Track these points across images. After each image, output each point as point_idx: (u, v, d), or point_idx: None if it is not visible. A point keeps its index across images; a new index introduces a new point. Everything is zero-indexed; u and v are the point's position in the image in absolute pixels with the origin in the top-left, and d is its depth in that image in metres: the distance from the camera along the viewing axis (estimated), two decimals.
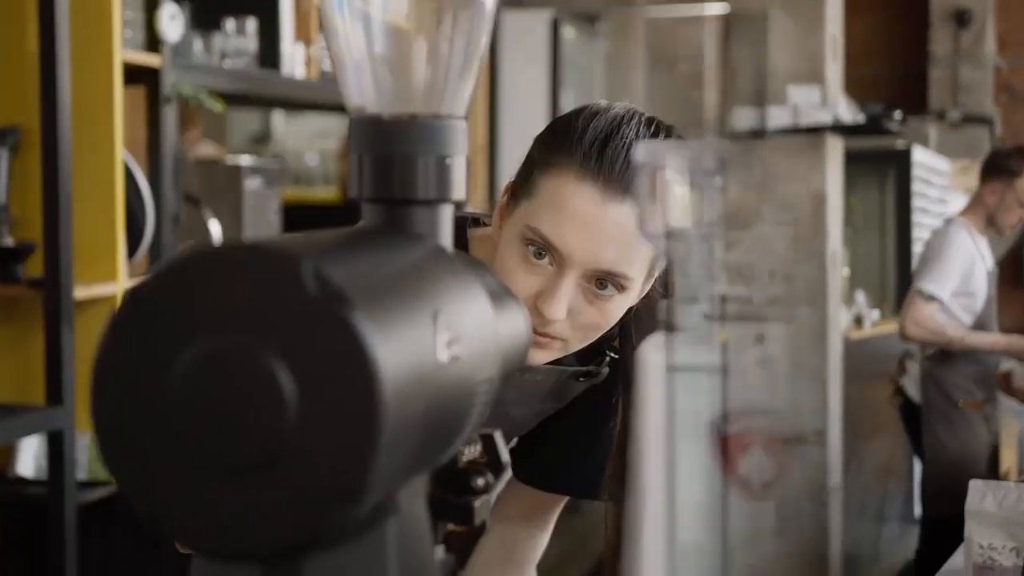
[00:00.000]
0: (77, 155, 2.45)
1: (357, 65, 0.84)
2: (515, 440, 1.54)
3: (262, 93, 3.16)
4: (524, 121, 4.88)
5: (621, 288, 1.27)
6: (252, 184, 3.10)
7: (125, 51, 2.57)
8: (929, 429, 4.35)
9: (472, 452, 0.88)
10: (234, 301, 0.63)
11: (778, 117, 5.42)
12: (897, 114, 6.32)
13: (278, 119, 6.06)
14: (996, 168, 4.39)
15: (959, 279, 4.25)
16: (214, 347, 0.62)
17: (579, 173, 1.24)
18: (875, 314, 6.23)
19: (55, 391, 2.40)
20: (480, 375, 0.75)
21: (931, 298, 4.19)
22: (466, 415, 0.74)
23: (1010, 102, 9.84)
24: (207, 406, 0.63)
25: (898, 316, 6.80)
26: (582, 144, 1.25)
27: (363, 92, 0.84)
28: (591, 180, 1.24)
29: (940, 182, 7.51)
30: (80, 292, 2.44)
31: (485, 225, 1.45)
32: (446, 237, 0.84)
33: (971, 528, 1.99)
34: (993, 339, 4.36)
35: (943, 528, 4.18)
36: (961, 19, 9.22)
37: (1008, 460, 5.54)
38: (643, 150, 0.73)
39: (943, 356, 4.35)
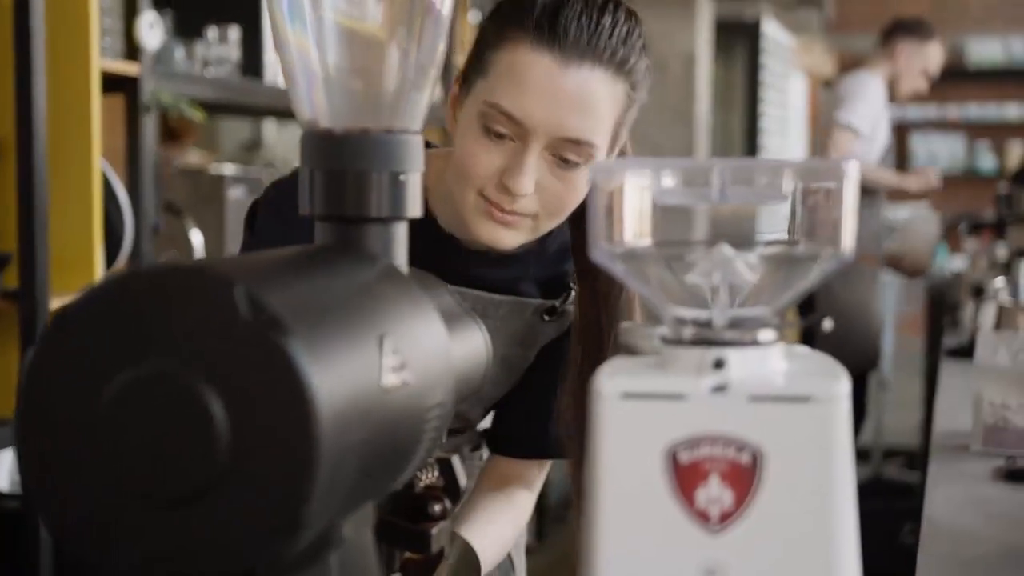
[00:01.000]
0: (54, 164, 2.42)
1: (308, 77, 0.81)
2: (489, 416, 1.52)
3: (245, 102, 3.14)
4: None
5: (588, 157, 1.26)
6: (235, 193, 3.07)
7: (103, 60, 2.54)
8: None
9: (429, 477, 0.85)
10: (165, 326, 0.60)
11: None
12: None
13: (269, 127, 6.04)
14: (909, 29, 4.44)
15: (870, 121, 4.31)
16: (144, 373, 0.60)
17: (534, 42, 1.23)
18: None
19: None
20: (431, 400, 0.72)
21: (848, 128, 4.26)
22: (416, 441, 0.72)
23: None
24: (136, 435, 0.60)
25: None
26: (533, 13, 1.24)
27: (315, 105, 0.82)
28: (547, 47, 1.22)
29: (784, 58, 7.64)
30: (57, 304, 2.40)
31: (430, 146, 1.43)
32: (401, 255, 0.81)
33: (981, 385, 1.82)
34: (899, 176, 4.49)
35: None
36: None
37: None
38: (599, 168, 0.70)
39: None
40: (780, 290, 0.70)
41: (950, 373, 2.82)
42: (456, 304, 0.86)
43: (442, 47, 0.84)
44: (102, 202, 2.51)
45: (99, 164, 2.48)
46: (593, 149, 1.25)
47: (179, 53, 2.90)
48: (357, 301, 0.68)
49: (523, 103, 1.23)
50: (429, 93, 0.83)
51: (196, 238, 2.90)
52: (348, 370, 0.63)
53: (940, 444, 1.96)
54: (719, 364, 0.67)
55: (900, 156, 10.37)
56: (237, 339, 0.59)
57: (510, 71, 1.23)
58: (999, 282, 3.14)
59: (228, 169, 3.17)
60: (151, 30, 2.63)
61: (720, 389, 0.67)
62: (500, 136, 1.24)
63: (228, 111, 3.72)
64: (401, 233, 0.81)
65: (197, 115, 2.72)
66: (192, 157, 4.68)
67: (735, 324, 0.69)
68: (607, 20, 1.24)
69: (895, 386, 6.33)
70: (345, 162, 0.79)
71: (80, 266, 2.46)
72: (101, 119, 2.52)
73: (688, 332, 0.69)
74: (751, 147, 7.19)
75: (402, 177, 0.80)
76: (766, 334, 0.69)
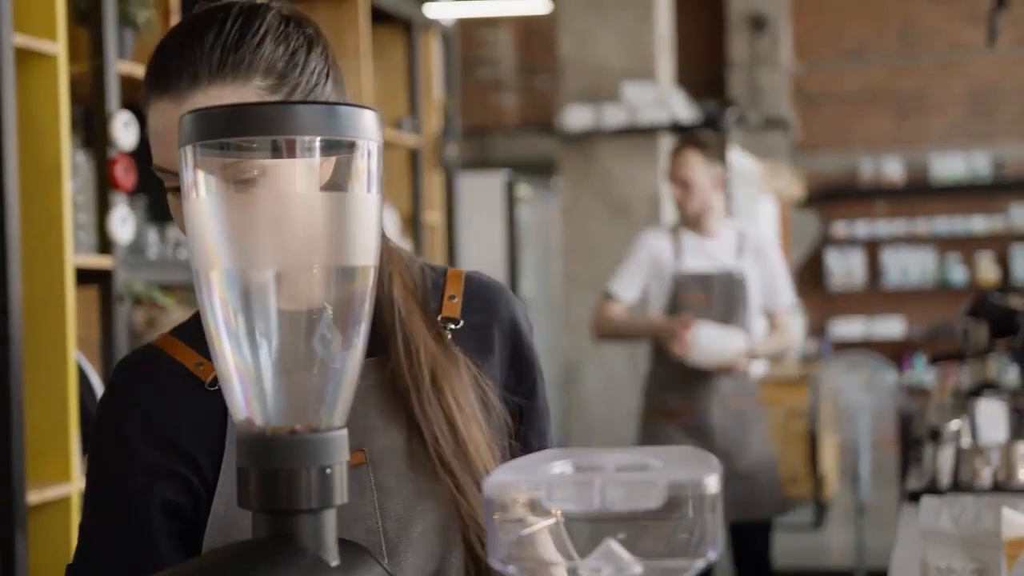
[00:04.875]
0: (29, 359, 2.50)
1: (243, 384, 0.91)
2: None
3: None
4: None
5: (262, 169, 1.18)
6: None
7: (77, 255, 2.65)
8: (637, 442, 4.26)
9: None
10: None
11: (613, 115, 5.47)
12: (732, 111, 6.44)
13: None
14: None
15: (643, 281, 4.19)
16: None
17: (156, 94, 1.23)
18: None
19: None
20: None
21: (609, 296, 4.15)
22: None
23: (805, 106, 10.24)
24: None
25: None
26: (149, 66, 1.24)
27: (249, 406, 0.91)
28: (164, 92, 1.22)
29: (752, 184, 7.81)
30: (34, 496, 2.47)
31: None
32: (330, 539, 0.89)
33: (927, 549, 1.84)
34: (646, 320, 4.19)
35: None
36: (757, 24, 9.54)
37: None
38: (493, 484, 0.79)
39: (651, 366, 4.21)
40: None
41: (908, 520, 2.87)
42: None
43: (363, 332, 0.93)
44: (77, 393, 2.59)
45: (74, 357, 2.57)
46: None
47: (152, 237, 3.01)
48: None
49: (166, 154, 1.23)
50: (351, 389, 0.92)
51: None
52: None
53: None
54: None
55: (872, 271, 10.56)
56: None
57: (152, 131, 1.24)
58: (954, 424, 3.20)
59: None
60: (123, 224, 2.74)
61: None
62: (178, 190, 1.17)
63: None
64: (330, 520, 0.90)
65: (168, 302, 2.82)
66: (177, 316, 4.78)
67: None
68: (209, 36, 1.23)
69: (877, 504, 6.38)
70: (276, 461, 0.88)
71: (56, 458, 2.53)
72: (75, 311, 2.61)
73: None
74: None
75: (328, 470, 0.89)
76: None
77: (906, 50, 10.21)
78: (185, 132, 0.90)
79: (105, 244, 2.75)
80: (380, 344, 1.33)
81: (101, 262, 2.73)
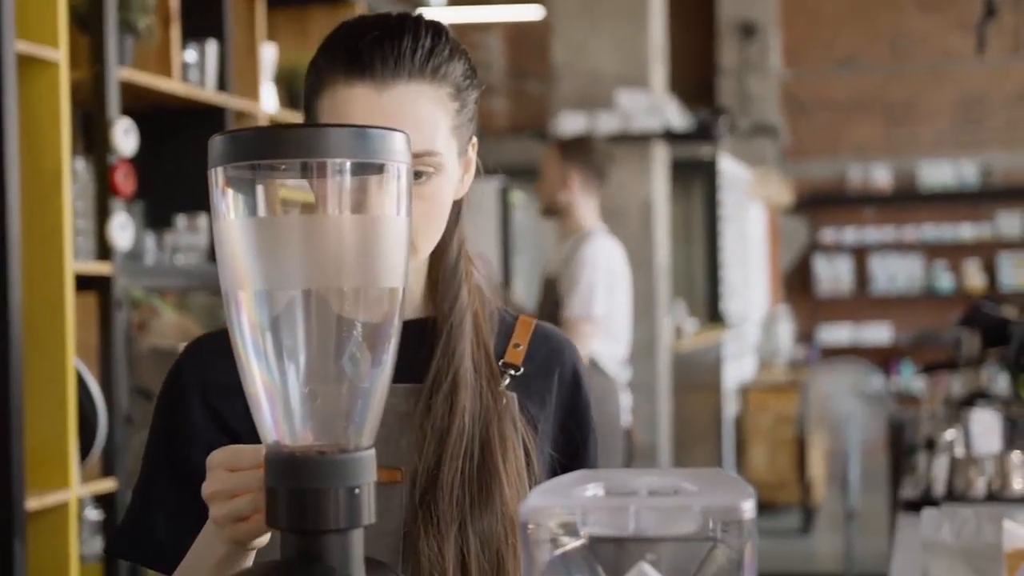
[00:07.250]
0: (29, 365, 2.50)
1: (271, 404, 0.91)
2: None
3: (214, 287, 3.24)
4: None
5: (437, 166, 1.27)
6: None
7: (77, 262, 2.64)
8: None
9: None
10: None
11: (607, 122, 5.53)
12: (724, 120, 6.49)
13: None
14: None
15: None
16: None
17: (346, 78, 1.26)
18: (692, 324, 6.47)
19: None
20: None
21: None
22: None
23: (795, 113, 10.28)
24: None
25: (715, 325, 6.90)
26: (339, 52, 1.27)
27: (278, 427, 0.91)
28: (358, 78, 1.25)
29: (741, 190, 7.88)
30: (33, 503, 2.46)
31: None
32: (356, 559, 0.90)
33: (928, 561, 1.85)
34: None
35: None
36: (747, 31, 9.59)
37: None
38: (530, 509, 0.79)
39: None
40: None
41: (906, 527, 2.87)
42: None
43: (392, 351, 0.94)
44: (76, 399, 2.59)
45: (73, 364, 2.56)
46: (436, 156, 1.27)
47: (150, 243, 3.01)
48: None
49: None
50: (379, 410, 0.93)
51: None
52: None
53: None
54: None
55: (860, 278, 10.59)
56: None
57: (332, 112, 1.27)
58: (950, 434, 3.21)
59: None
60: (122, 231, 2.73)
61: None
62: None
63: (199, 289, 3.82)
64: (357, 539, 0.90)
65: (166, 309, 2.82)
66: (168, 319, 4.77)
67: None
68: (407, 38, 1.27)
69: (866, 511, 6.40)
70: (305, 481, 0.88)
71: (55, 464, 2.53)
72: (75, 316, 2.61)
73: None
74: (712, 282, 7.36)
75: (356, 490, 0.89)
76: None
77: (896, 58, 10.24)
78: (215, 154, 0.90)
79: (104, 250, 2.74)
80: (419, 370, 1.31)
81: (100, 268, 2.73)
